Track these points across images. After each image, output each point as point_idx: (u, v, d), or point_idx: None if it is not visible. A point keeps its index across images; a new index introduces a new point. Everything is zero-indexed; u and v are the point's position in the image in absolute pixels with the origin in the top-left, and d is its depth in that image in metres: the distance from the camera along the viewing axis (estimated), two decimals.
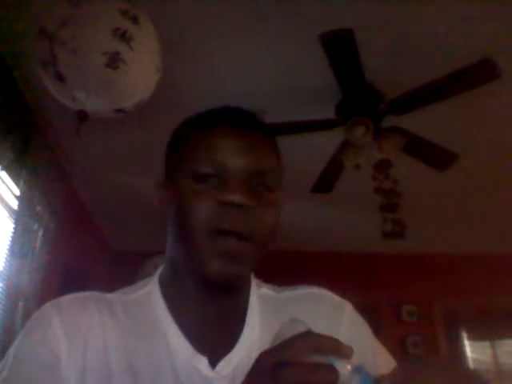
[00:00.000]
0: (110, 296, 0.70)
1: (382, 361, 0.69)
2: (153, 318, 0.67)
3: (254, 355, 0.55)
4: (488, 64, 2.05)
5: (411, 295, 4.24)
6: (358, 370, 0.47)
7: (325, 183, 2.91)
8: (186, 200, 0.64)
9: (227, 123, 0.69)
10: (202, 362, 0.64)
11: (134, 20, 1.56)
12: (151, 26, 1.67)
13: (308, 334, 0.49)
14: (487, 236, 3.97)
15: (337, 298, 0.77)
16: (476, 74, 2.10)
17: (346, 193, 3.15)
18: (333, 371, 0.45)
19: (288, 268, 3.86)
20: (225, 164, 0.65)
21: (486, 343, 4.20)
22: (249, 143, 0.67)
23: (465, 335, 4.22)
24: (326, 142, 2.62)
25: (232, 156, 0.65)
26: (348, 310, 0.76)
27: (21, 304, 2.33)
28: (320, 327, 0.55)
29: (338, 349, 0.48)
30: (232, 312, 0.69)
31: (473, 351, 4.17)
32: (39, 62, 1.60)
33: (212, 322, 0.67)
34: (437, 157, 2.68)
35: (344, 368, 0.47)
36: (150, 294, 0.70)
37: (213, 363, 0.65)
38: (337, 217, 3.85)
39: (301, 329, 0.50)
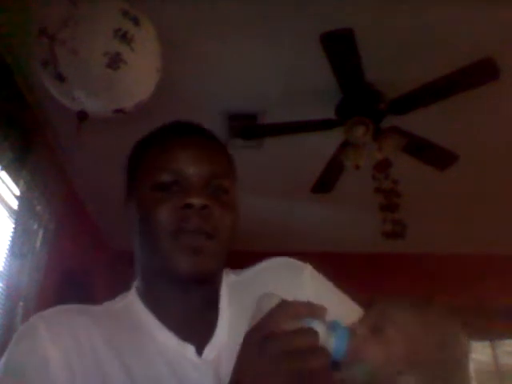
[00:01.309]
0: (94, 307, 0.73)
1: (349, 310, 0.72)
2: (137, 321, 0.71)
3: (232, 338, 0.64)
4: (488, 64, 2.05)
5: (411, 295, 4.24)
6: (332, 326, 0.51)
7: (325, 183, 2.91)
8: (149, 208, 0.69)
9: (181, 134, 0.75)
10: (190, 349, 0.68)
11: (135, 21, 1.57)
12: (152, 26, 1.67)
13: (283, 304, 0.53)
14: (487, 236, 3.97)
15: (296, 262, 0.82)
16: (476, 74, 2.10)
17: (346, 193, 3.15)
18: (313, 333, 0.50)
19: None
20: (183, 171, 0.70)
21: (486, 343, 4.20)
22: (203, 151, 0.73)
23: None
24: (326, 142, 2.62)
25: (189, 163, 0.71)
26: (308, 270, 0.80)
27: (21, 304, 2.32)
28: (283, 291, 0.61)
29: (313, 311, 0.52)
30: (207, 303, 0.74)
31: (473, 351, 4.17)
32: (39, 61, 1.60)
33: (191, 315, 0.72)
34: (437, 157, 2.68)
35: (321, 327, 0.51)
36: (130, 303, 0.74)
37: (199, 351, 0.69)
38: (337, 217, 3.85)
39: (275, 301, 0.53)
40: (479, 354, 4.16)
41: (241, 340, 0.66)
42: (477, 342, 4.21)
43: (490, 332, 4.19)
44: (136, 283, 0.77)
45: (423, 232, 3.69)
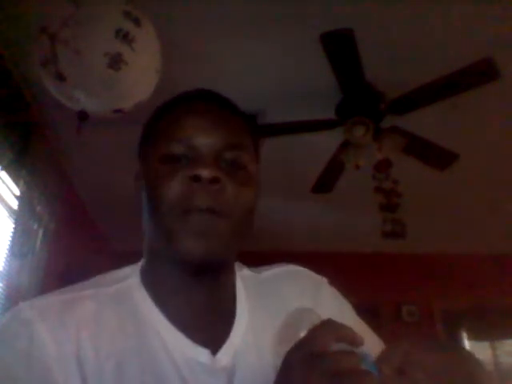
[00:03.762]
0: (88, 292, 0.64)
1: (371, 341, 0.68)
2: (139, 315, 0.63)
3: (250, 339, 0.62)
4: (488, 64, 2.05)
5: (411, 295, 4.24)
6: (363, 356, 0.49)
7: (325, 183, 2.91)
8: (156, 182, 0.63)
9: (193, 102, 0.68)
10: (204, 354, 0.61)
11: (136, 22, 1.57)
12: (152, 27, 1.67)
13: (328, 325, 0.50)
14: (487, 236, 3.97)
15: (314, 274, 0.78)
16: (476, 74, 2.10)
17: (346, 193, 3.15)
18: (357, 357, 0.48)
19: None
20: (193, 141, 0.63)
21: (486, 343, 4.20)
22: (216, 119, 0.66)
23: (465, 335, 4.22)
24: (326, 142, 2.62)
25: (199, 132, 0.64)
26: (327, 285, 0.77)
27: None
28: (307, 303, 0.59)
29: (353, 338, 0.49)
30: (221, 298, 0.67)
31: (473, 351, 4.17)
32: (39, 61, 1.60)
33: (202, 312, 0.64)
34: (437, 157, 2.68)
35: None
36: (131, 288, 0.65)
37: (211, 354, 0.62)
38: (337, 217, 3.85)
39: (315, 318, 0.52)
40: (479, 354, 4.16)
41: (259, 344, 0.63)
42: (477, 342, 4.22)
43: (490, 332, 4.19)
44: (142, 262, 0.70)
45: (423, 232, 3.69)
